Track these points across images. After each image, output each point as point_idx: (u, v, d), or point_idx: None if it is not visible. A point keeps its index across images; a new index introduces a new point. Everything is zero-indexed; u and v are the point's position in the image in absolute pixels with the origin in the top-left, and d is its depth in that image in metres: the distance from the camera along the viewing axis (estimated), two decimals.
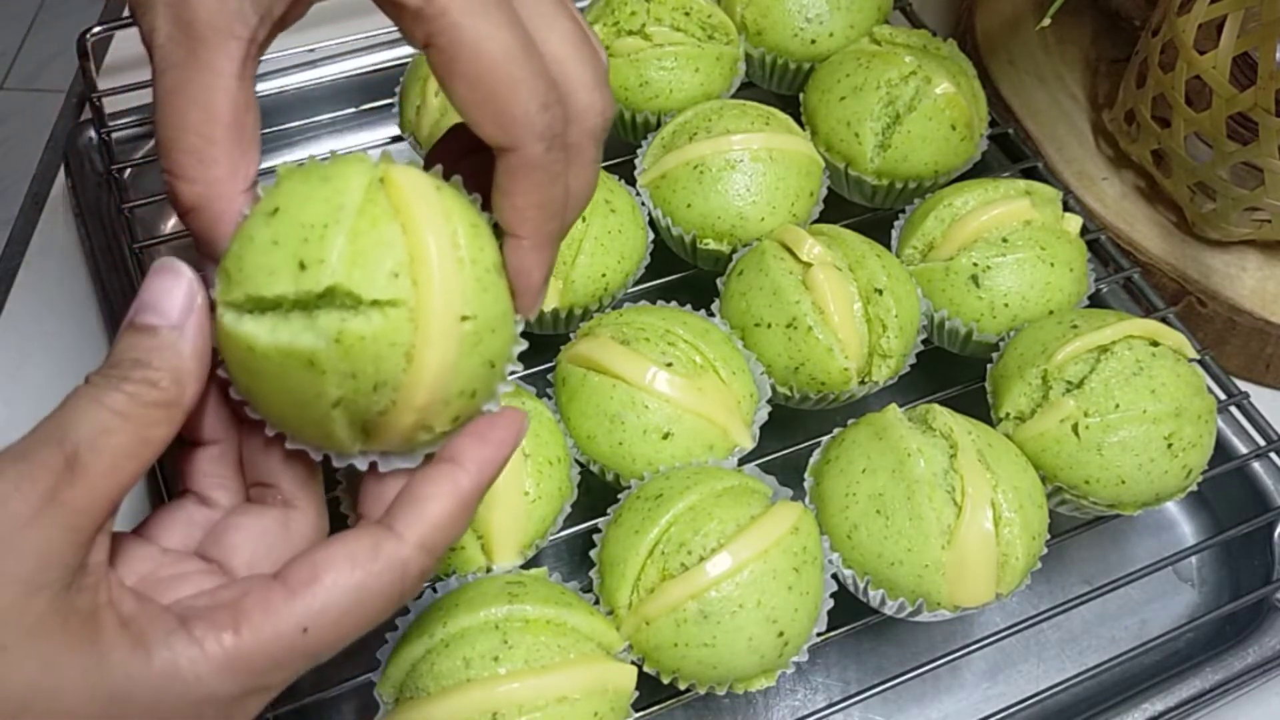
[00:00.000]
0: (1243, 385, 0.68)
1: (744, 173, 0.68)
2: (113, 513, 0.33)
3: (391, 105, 0.76)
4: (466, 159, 0.40)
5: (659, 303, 0.65)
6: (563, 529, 0.59)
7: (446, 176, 0.38)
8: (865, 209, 0.75)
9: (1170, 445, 0.58)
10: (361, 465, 0.38)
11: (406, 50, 0.83)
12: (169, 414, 0.34)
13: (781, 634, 0.52)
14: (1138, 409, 0.58)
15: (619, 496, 0.58)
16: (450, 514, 0.36)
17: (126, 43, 0.87)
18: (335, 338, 0.33)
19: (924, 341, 0.66)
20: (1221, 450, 0.65)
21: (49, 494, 0.32)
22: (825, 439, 0.61)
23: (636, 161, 0.72)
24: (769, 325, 0.63)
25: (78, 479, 0.32)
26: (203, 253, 0.37)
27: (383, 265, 0.34)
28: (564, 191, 0.39)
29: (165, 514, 0.39)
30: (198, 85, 0.36)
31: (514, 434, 0.38)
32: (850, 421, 0.60)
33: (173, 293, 0.35)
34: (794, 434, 0.64)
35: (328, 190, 0.35)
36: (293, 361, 0.34)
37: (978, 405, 0.63)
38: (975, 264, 0.65)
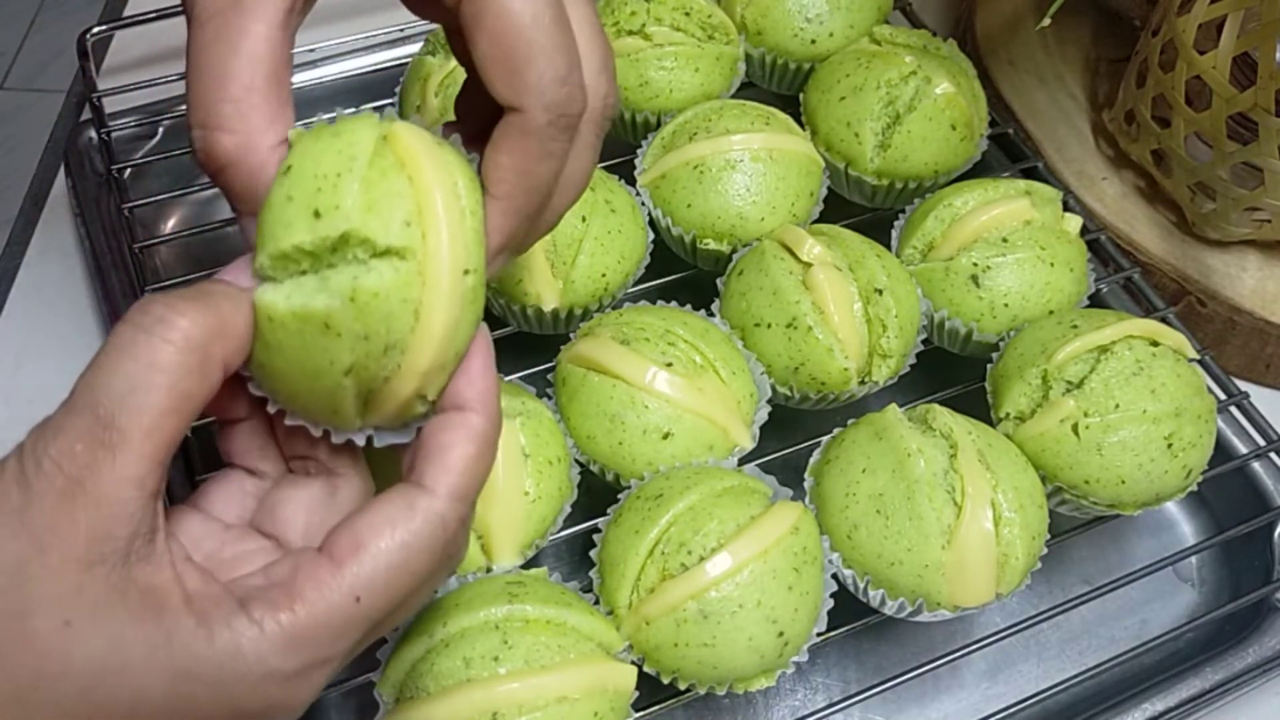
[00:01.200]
0: (1243, 385, 0.68)
1: (744, 173, 0.68)
2: (162, 475, 0.33)
3: (392, 105, 0.76)
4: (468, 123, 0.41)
5: (659, 303, 0.65)
6: (563, 529, 0.59)
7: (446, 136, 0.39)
8: (865, 209, 0.75)
9: (1170, 445, 0.58)
10: (359, 440, 0.38)
11: (406, 50, 0.83)
12: (210, 368, 0.33)
13: (781, 634, 0.52)
14: (1138, 409, 0.58)
15: (619, 496, 0.58)
16: (473, 456, 0.37)
17: (127, 43, 0.87)
18: (350, 296, 0.34)
19: (924, 341, 0.66)
20: (1221, 450, 0.65)
21: (90, 466, 0.31)
22: (825, 439, 0.61)
23: (636, 161, 0.72)
24: (769, 325, 0.63)
25: (117, 446, 0.31)
26: (240, 210, 0.37)
27: (395, 213, 0.35)
28: (552, 171, 0.39)
29: (218, 486, 0.40)
30: (241, 33, 0.35)
31: (488, 353, 0.38)
32: (850, 421, 0.60)
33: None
34: (794, 434, 0.64)
35: (339, 144, 0.35)
36: (310, 327, 0.34)
37: (978, 405, 0.63)
38: (975, 264, 0.65)
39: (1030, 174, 0.76)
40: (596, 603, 0.54)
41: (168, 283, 0.69)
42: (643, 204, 0.70)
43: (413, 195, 0.35)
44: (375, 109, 0.42)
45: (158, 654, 0.32)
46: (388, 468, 0.41)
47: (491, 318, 0.68)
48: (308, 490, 0.39)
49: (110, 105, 0.77)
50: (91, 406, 0.31)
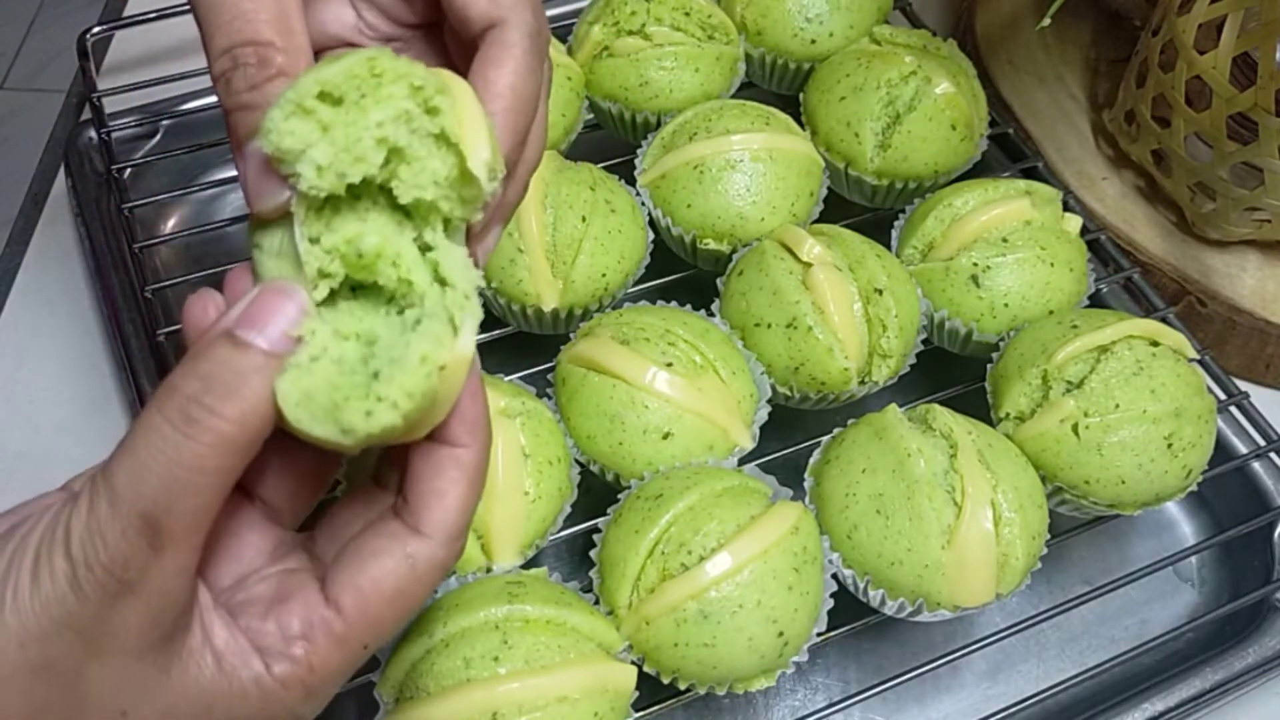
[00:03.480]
0: (1242, 385, 0.68)
1: (744, 173, 0.68)
2: (200, 554, 0.34)
3: None
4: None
5: (659, 303, 0.65)
6: (563, 529, 0.59)
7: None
8: (865, 209, 0.75)
9: (1170, 445, 0.58)
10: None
11: None
12: (243, 455, 0.34)
13: (781, 634, 0.52)
14: (1138, 409, 0.58)
15: (619, 496, 0.58)
16: (465, 496, 0.37)
17: (127, 43, 0.87)
18: (363, 438, 0.33)
19: (924, 341, 0.66)
20: (1221, 450, 0.65)
21: (141, 570, 0.32)
22: (825, 439, 0.61)
23: (636, 161, 0.72)
24: (769, 325, 0.63)
25: (165, 550, 0.33)
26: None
27: (430, 80, 0.35)
28: (536, 87, 0.40)
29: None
30: None
31: (476, 377, 0.38)
32: (850, 421, 0.60)
33: (288, 319, 0.34)
34: (794, 434, 0.64)
35: (359, 50, 0.35)
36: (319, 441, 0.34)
37: (978, 405, 0.63)
38: (975, 264, 0.65)
39: (1030, 174, 0.76)
40: (596, 603, 0.54)
41: (168, 283, 0.69)
42: (643, 204, 0.70)
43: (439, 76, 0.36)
44: None
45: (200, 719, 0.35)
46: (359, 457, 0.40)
47: (491, 318, 0.68)
48: (297, 460, 0.40)
49: (110, 105, 0.77)
50: (139, 512, 0.32)
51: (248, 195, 0.36)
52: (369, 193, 0.36)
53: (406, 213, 0.37)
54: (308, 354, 0.34)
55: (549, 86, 0.43)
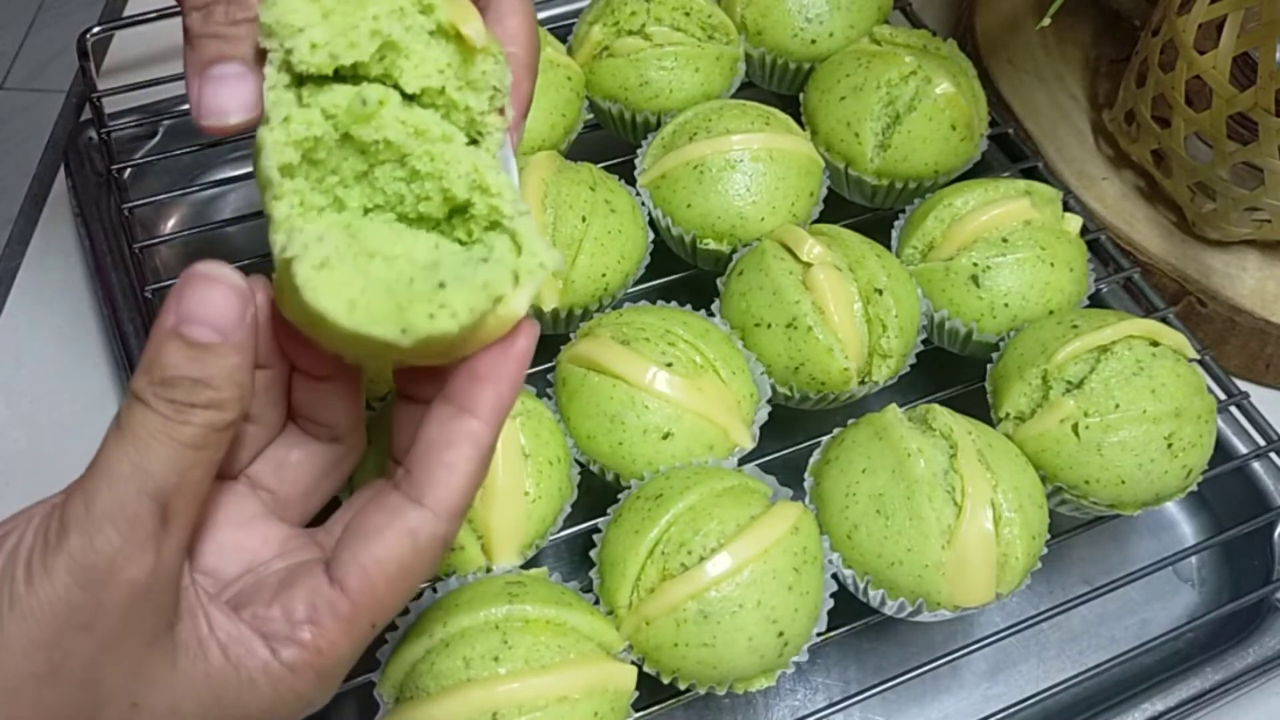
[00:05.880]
0: (1243, 385, 0.68)
1: (744, 173, 0.68)
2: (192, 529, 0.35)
3: None
4: None
5: (659, 303, 0.65)
6: (563, 529, 0.59)
7: None
8: (865, 209, 0.75)
9: (1170, 445, 0.58)
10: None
11: None
12: (233, 430, 0.35)
13: (781, 634, 0.52)
14: (1138, 409, 0.58)
15: (619, 496, 0.58)
16: (474, 474, 0.37)
17: (126, 43, 0.87)
18: (423, 339, 0.34)
19: (924, 341, 0.66)
20: (1221, 450, 0.65)
21: (155, 552, 0.32)
22: (825, 439, 0.61)
23: (636, 161, 0.72)
24: (769, 325, 0.63)
25: (173, 528, 0.33)
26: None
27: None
28: (537, 30, 0.44)
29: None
30: None
31: (519, 359, 0.37)
32: (850, 421, 0.60)
33: (222, 304, 0.34)
34: (794, 434, 0.64)
35: None
36: (368, 342, 0.35)
37: (978, 405, 0.63)
38: (975, 264, 0.65)
39: (1030, 174, 0.76)
40: (596, 603, 0.54)
41: (168, 283, 0.69)
42: (643, 204, 0.70)
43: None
44: None
45: (211, 711, 0.35)
46: (381, 435, 0.42)
47: None
48: (313, 457, 0.41)
49: (110, 105, 0.77)
50: (149, 494, 0.32)
51: (201, 107, 0.37)
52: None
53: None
54: (351, 254, 0.35)
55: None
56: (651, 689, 0.53)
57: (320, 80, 0.37)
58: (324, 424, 0.41)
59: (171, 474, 0.33)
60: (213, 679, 0.35)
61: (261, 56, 0.37)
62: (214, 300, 0.34)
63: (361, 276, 0.35)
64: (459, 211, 0.39)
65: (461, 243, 0.39)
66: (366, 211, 0.39)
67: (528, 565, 0.56)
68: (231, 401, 0.34)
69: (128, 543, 0.32)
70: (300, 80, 0.37)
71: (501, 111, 0.40)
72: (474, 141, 0.40)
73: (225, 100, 0.36)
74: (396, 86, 0.38)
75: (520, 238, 0.37)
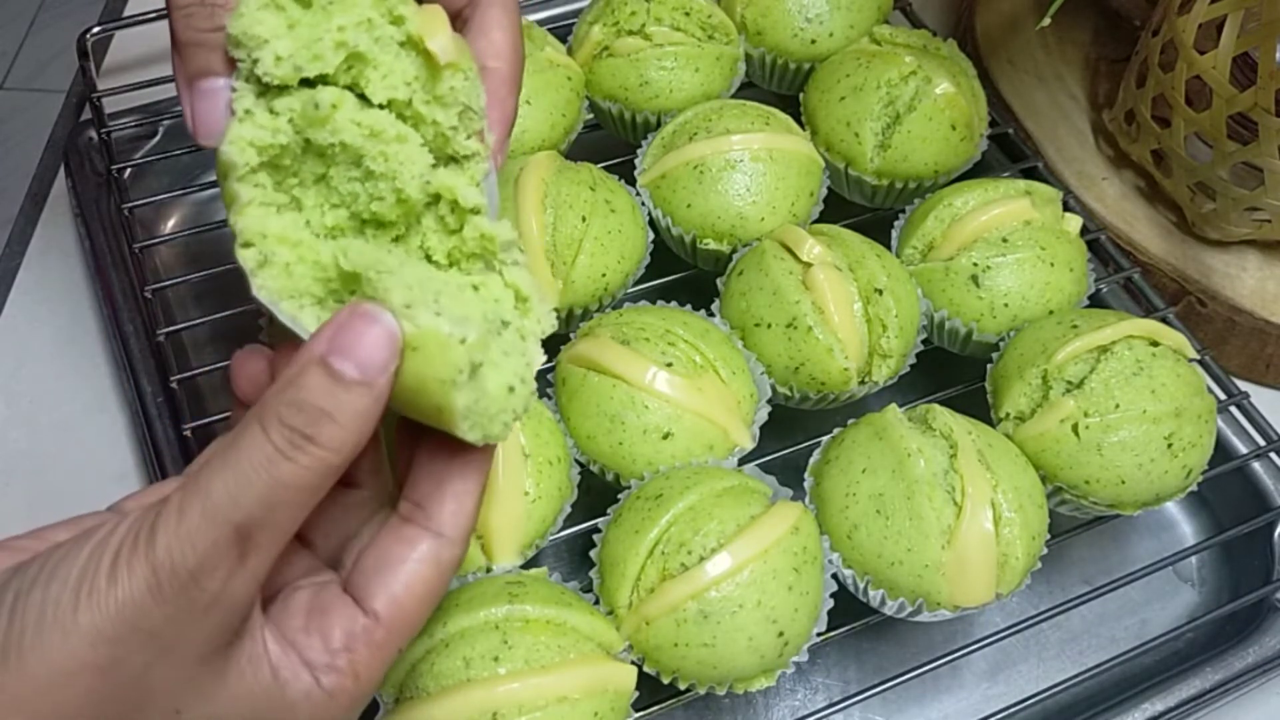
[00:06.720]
0: (1243, 385, 0.68)
1: (744, 173, 0.68)
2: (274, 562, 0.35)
3: None
4: None
5: (659, 303, 0.65)
6: (563, 529, 0.59)
7: None
8: (865, 209, 0.75)
9: (1170, 445, 0.58)
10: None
11: None
12: (333, 479, 0.35)
13: (781, 634, 0.52)
14: (1138, 409, 0.58)
15: (619, 496, 0.58)
16: (480, 494, 0.40)
17: (126, 43, 0.87)
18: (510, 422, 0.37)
19: (924, 341, 0.66)
20: (1221, 450, 0.65)
21: (228, 578, 0.33)
22: (825, 439, 0.61)
23: (636, 161, 0.72)
24: (769, 325, 0.63)
25: (251, 560, 0.34)
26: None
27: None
28: (522, 44, 0.44)
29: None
30: None
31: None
32: (850, 421, 0.60)
33: (374, 347, 0.34)
34: (794, 434, 0.64)
35: None
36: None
37: (978, 405, 0.63)
38: (975, 264, 0.65)
39: (1030, 174, 0.76)
40: (596, 603, 0.54)
41: (167, 283, 0.69)
42: (643, 204, 0.70)
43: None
44: None
45: None
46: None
47: None
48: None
49: (110, 105, 0.77)
50: (234, 523, 0.33)
51: (196, 126, 0.37)
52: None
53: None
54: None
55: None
56: (651, 689, 0.53)
57: (287, 89, 0.37)
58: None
59: (261, 509, 0.33)
60: (256, 697, 0.36)
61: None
62: (368, 340, 0.34)
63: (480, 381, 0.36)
64: (453, 237, 0.39)
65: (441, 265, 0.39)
66: (323, 212, 0.39)
67: (528, 565, 0.56)
68: (347, 446, 0.34)
69: (204, 565, 0.33)
70: (266, 89, 0.37)
71: (481, 135, 0.40)
72: (453, 161, 0.40)
73: (218, 120, 0.37)
74: (363, 97, 0.38)
75: (518, 288, 0.39)
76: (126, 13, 0.91)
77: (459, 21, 0.43)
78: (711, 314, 0.66)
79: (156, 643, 0.33)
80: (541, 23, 0.80)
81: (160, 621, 0.33)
